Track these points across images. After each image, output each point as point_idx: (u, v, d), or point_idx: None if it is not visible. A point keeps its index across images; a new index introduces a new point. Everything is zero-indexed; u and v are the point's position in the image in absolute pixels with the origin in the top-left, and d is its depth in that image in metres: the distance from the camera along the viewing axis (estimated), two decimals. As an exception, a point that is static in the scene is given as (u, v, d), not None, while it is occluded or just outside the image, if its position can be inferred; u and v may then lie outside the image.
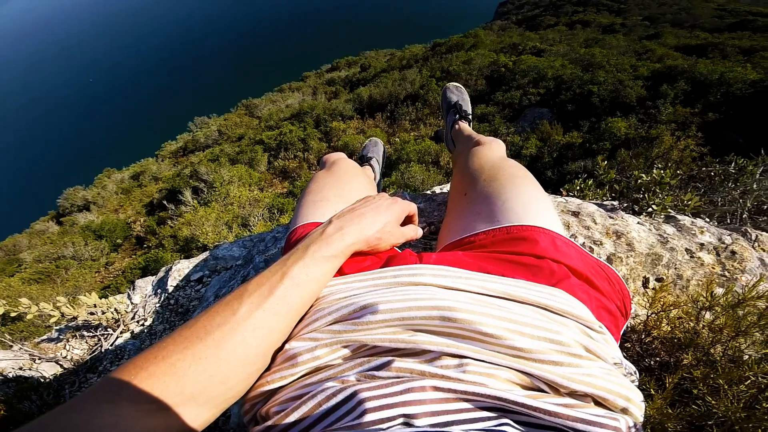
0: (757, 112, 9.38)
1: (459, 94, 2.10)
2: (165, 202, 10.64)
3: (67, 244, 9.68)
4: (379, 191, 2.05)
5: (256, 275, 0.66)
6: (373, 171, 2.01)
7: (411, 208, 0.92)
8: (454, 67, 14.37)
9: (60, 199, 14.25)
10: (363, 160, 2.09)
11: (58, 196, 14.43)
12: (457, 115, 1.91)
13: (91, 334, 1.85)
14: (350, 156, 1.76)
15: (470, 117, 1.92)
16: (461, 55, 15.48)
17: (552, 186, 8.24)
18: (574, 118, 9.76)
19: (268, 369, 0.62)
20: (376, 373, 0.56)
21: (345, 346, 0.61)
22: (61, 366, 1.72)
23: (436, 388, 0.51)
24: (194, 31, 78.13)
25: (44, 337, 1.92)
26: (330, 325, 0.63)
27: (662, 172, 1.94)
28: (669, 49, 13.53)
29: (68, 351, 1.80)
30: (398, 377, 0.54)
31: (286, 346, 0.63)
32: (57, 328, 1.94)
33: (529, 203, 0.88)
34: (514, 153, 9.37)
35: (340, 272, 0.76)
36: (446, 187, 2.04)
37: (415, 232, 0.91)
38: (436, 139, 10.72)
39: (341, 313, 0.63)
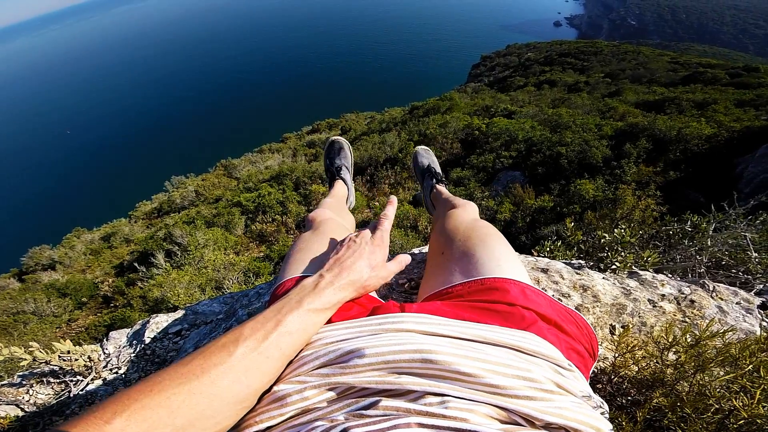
0: (713, 170, 9.63)
1: (429, 157, 2.22)
2: (136, 264, 10.24)
3: (28, 300, 9.26)
4: (352, 203, 2.10)
5: (249, 321, 0.69)
6: (345, 183, 2.04)
7: (388, 248, 0.96)
8: (431, 130, 14.69)
9: (24, 258, 13.53)
10: (333, 174, 2.11)
11: (22, 254, 13.71)
12: (434, 179, 2.01)
13: (58, 380, 1.78)
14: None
15: (443, 179, 2.01)
16: (437, 118, 15.89)
17: (526, 250, 8.20)
18: (545, 181, 9.89)
19: (253, 410, 0.64)
20: (364, 412, 0.58)
21: (332, 389, 0.63)
22: (22, 409, 1.65)
23: (421, 425, 0.53)
24: (175, 89, 77.63)
25: (4, 382, 1.83)
26: (318, 368, 0.66)
27: (623, 232, 2.05)
28: (630, 106, 14.05)
29: (31, 396, 1.72)
30: (385, 415, 0.56)
31: (275, 388, 0.65)
32: (20, 373, 1.86)
33: (500, 259, 0.96)
34: (489, 217, 9.39)
35: (328, 320, 0.79)
36: (425, 248, 2.09)
37: (399, 265, 0.95)
38: (414, 203, 10.75)
39: (329, 358, 0.67)
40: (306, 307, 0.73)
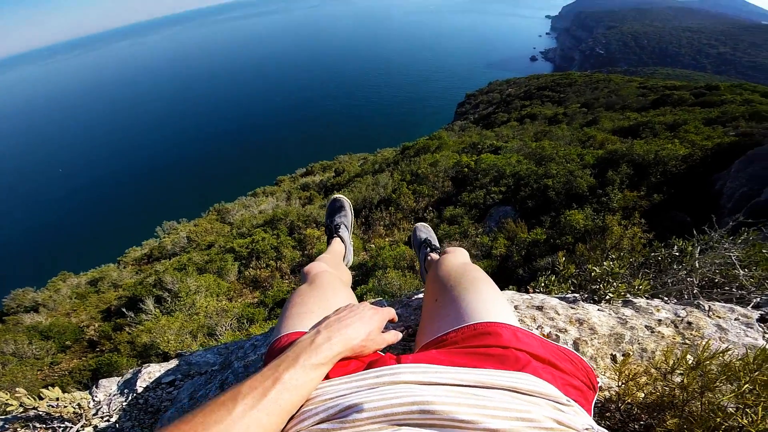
0: (694, 189, 9.86)
1: (427, 231, 2.29)
2: (124, 310, 9.87)
3: (8, 341, 8.91)
4: (350, 261, 2.13)
5: (247, 379, 0.71)
6: (343, 241, 2.07)
7: (391, 314, 1.03)
8: (422, 169, 14.97)
9: (6, 299, 13.08)
10: (331, 231, 2.15)
11: (4, 295, 13.28)
12: (428, 249, 2.07)
13: (45, 425, 1.71)
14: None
15: (439, 249, 2.05)
16: (428, 157, 16.22)
17: (524, 284, 8.24)
18: (536, 214, 10.05)
19: None
20: None
21: None
22: (5, 455, 1.58)
23: None
24: (168, 132, 76.43)
25: (-15, 428, 1.76)
26: (318, 424, 0.67)
27: (612, 263, 2.09)
28: (607, 134, 14.47)
29: (14, 441, 1.66)
30: None
31: None
32: (2, 417, 1.79)
33: (490, 303, 0.99)
34: (484, 253, 9.48)
35: (326, 376, 0.81)
36: (421, 294, 2.12)
37: (395, 336, 0.99)
38: (409, 244, 10.78)
39: (328, 413, 0.67)
40: (303, 363, 0.74)
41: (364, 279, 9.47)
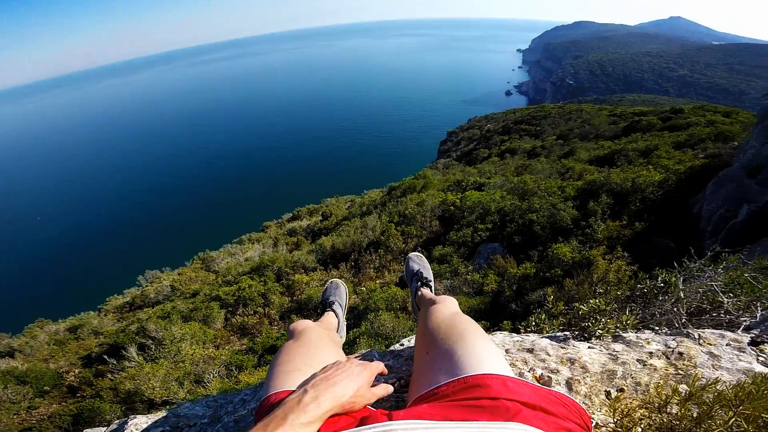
0: (673, 213, 10.12)
1: (420, 262, 2.27)
2: (105, 357, 9.51)
3: None
4: (342, 337, 2.07)
5: None
6: (336, 316, 2.04)
7: (380, 368, 1.05)
8: (409, 210, 15.12)
9: None
10: (325, 305, 2.11)
11: None
12: (419, 282, 2.07)
13: None
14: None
15: (431, 283, 2.07)
16: (414, 197, 16.43)
17: (518, 317, 8.27)
18: (523, 249, 10.16)
19: None
20: None
21: None
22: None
23: None
24: (150, 180, 75.07)
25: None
26: None
27: (598, 301, 2.12)
28: (585, 164, 14.91)
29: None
30: None
31: None
32: None
33: (480, 354, 1.01)
34: (476, 290, 9.49)
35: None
36: (412, 339, 2.12)
37: (385, 390, 1.01)
38: (401, 285, 10.77)
39: None
40: (292, 422, 0.75)
41: (356, 322, 9.36)
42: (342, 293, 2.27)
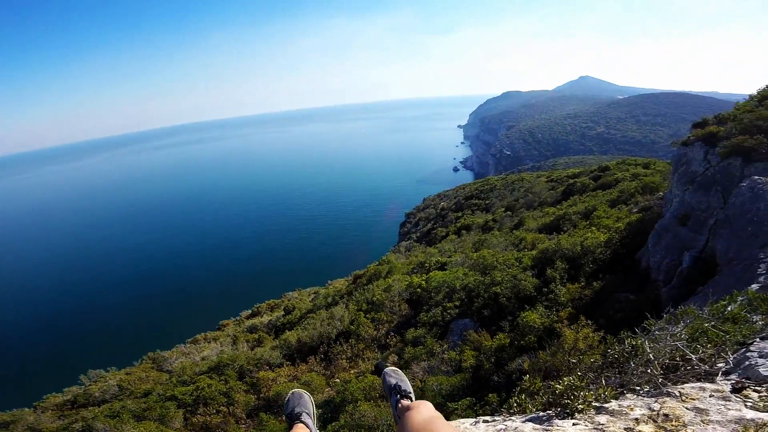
0: (626, 268, 10.72)
1: (396, 376, 2.25)
2: None
3: None
4: None
5: None
6: (307, 426, 1.97)
7: None
8: (377, 297, 15.03)
9: None
10: (291, 419, 2.03)
11: None
12: (399, 395, 2.05)
13: None
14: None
15: (411, 394, 2.06)
16: (381, 283, 16.42)
17: (502, 388, 8.14)
18: (494, 321, 10.27)
19: None
20: None
21: None
22: None
23: None
24: (92, 276, 70.51)
25: None
26: None
27: (572, 377, 2.12)
28: (535, 233, 15.77)
29: None
30: None
31: None
32: None
33: None
34: (455, 368, 9.37)
35: None
36: None
37: None
38: (377, 372, 10.36)
39: None
40: None
41: (334, 416, 8.87)
42: (306, 402, 2.23)
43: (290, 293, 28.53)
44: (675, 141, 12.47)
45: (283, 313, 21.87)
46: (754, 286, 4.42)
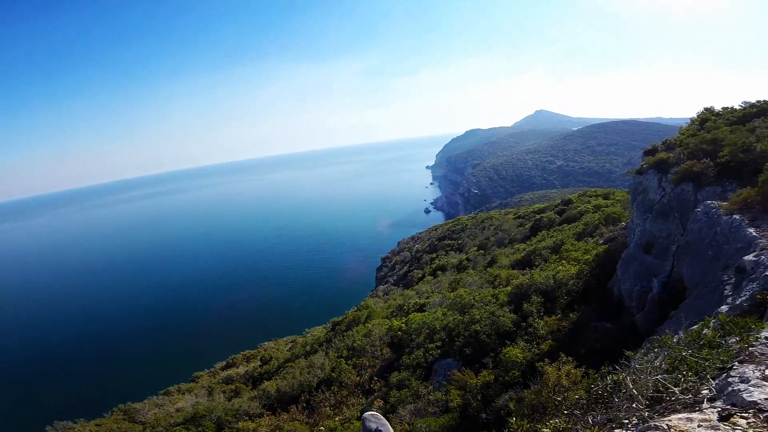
0: (599, 298, 11.06)
1: (377, 420, 2.24)
2: None
3: None
4: None
5: None
6: None
7: None
8: (357, 342, 14.78)
9: None
10: None
11: None
12: None
13: None
14: None
15: None
16: (360, 328, 16.19)
17: (492, 425, 8.10)
18: (476, 359, 10.29)
19: None
20: None
21: None
22: None
23: None
24: (58, 328, 67.53)
25: None
26: None
27: (558, 421, 2.15)
28: (509, 270, 16.12)
29: None
30: None
31: None
32: None
33: None
34: (442, 409, 9.27)
35: None
36: None
37: None
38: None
39: None
40: None
41: None
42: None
43: (267, 343, 27.98)
44: (630, 170, 12.96)
45: (260, 363, 21.40)
46: (724, 308, 4.56)
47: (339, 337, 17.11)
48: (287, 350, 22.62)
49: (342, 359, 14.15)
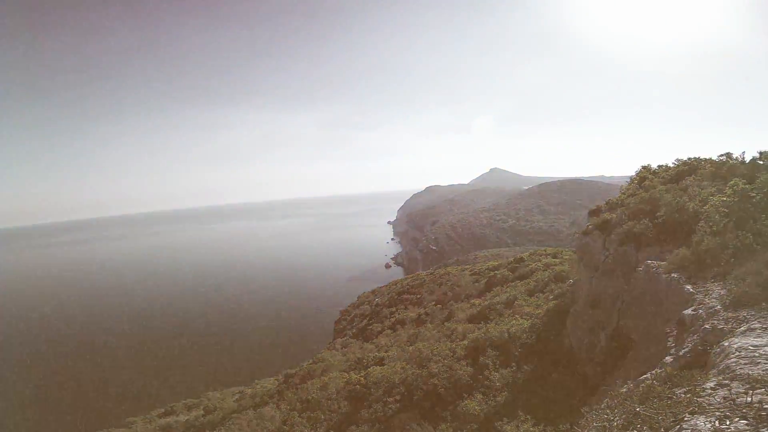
0: (552, 350, 11.49)
1: None
2: None
3: None
4: None
5: None
6: None
7: None
8: (313, 396, 14.25)
9: None
10: None
11: None
12: None
13: None
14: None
15: None
16: (316, 382, 15.65)
17: None
18: (435, 412, 10.23)
19: None
20: None
21: None
22: None
23: None
24: None
25: None
26: None
27: None
28: (465, 324, 16.46)
29: None
30: None
31: None
32: None
33: None
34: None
35: None
36: None
37: None
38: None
39: None
40: None
41: None
42: None
43: (211, 393, 26.43)
44: (577, 232, 13.71)
45: (203, 413, 20.13)
46: (668, 359, 4.75)
47: (292, 389, 16.44)
48: (234, 401, 21.28)
49: (295, 413, 13.57)
